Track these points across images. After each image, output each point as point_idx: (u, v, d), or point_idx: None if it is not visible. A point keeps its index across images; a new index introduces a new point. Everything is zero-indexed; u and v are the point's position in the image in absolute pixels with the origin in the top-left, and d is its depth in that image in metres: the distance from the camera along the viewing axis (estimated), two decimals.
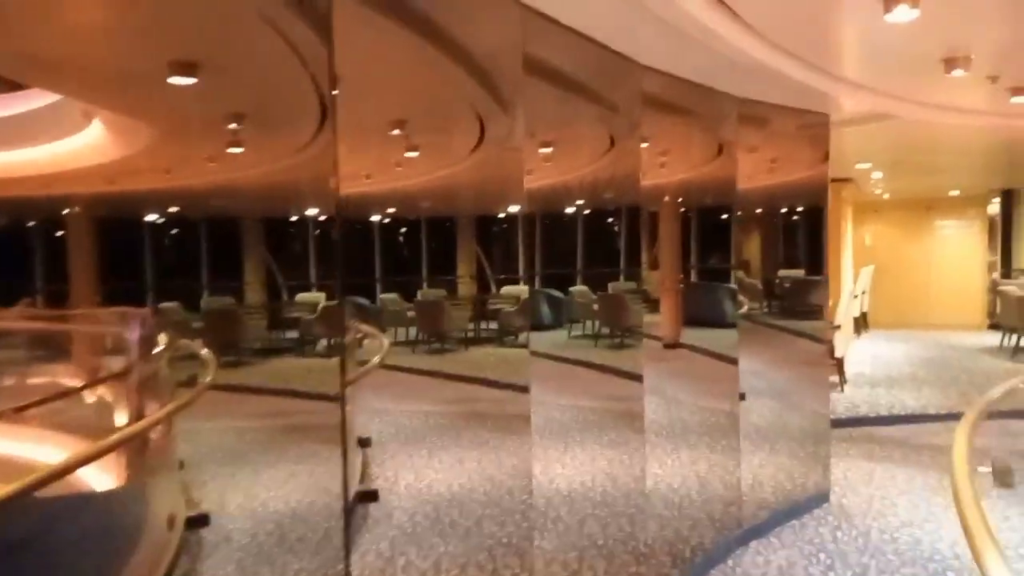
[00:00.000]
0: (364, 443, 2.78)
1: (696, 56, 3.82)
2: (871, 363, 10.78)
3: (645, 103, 4.06)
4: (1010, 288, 12.12)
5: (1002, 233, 14.77)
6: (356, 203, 2.64)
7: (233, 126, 2.33)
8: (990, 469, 3.20)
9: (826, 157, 5.63)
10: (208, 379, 2.31)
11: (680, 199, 4.79)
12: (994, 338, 12.67)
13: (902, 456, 6.48)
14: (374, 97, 2.74)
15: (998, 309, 13.56)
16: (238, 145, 2.33)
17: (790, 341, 6.09)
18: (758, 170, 5.49)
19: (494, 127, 3.25)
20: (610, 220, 4.42)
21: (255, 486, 2.56)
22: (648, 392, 4.11)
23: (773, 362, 5.78)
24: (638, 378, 4.06)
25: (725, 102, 4.79)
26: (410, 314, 3.15)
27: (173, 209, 2.29)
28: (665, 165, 4.73)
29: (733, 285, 5.04)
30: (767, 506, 5.06)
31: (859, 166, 8.77)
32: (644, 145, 4.12)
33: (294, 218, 2.76)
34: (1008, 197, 14.73)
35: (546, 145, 3.66)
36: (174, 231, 2.33)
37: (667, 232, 4.78)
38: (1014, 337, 11.48)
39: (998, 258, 14.79)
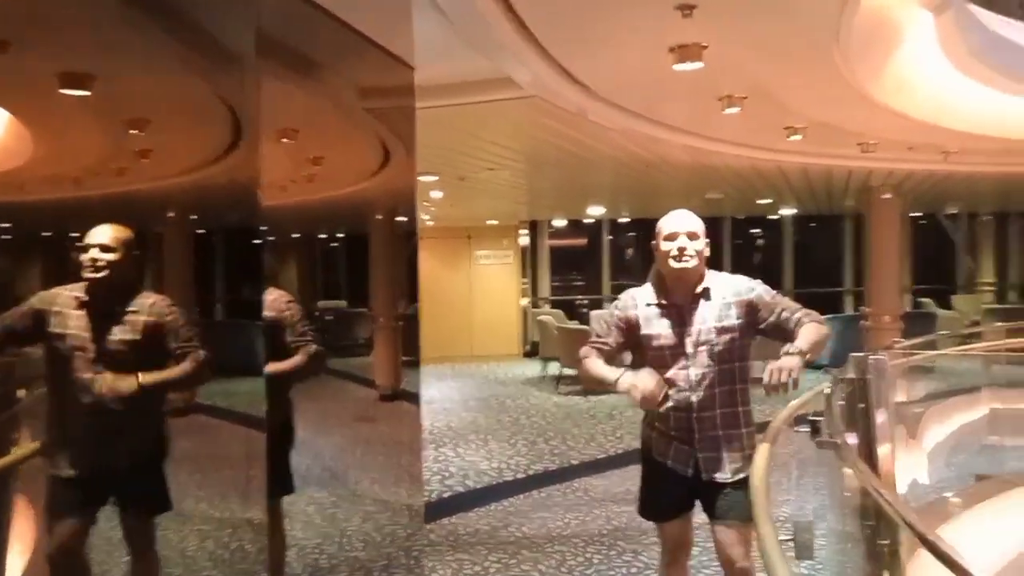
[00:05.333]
0: None
1: None
2: (427, 410, 9.69)
3: None
4: (548, 319, 12.22)
5: (532, 263, 15.32)
6: None
7: None
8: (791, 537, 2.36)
9: (411, 145, 4.01)
10: None
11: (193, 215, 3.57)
12: (532, 368, 12.71)
13: (500, 570, 4.87)
14: None
15: (534, 338, 13.84)
16: None
17: (338, 387, 5.01)
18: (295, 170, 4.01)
19: None
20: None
21: None
22: None
23: (319, 421, 4.31)
24: None
25: None
26: None
27: None
28: (150, 156, 3.17)
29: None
30: None
31: (423, 179, 7.46)
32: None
33: None
34: (534, 227, 15.32)
35: None
36: None
37: (174, 257, 3.43)
38: (552, 366, 11.48)
39: (529, 287, 15.26)
